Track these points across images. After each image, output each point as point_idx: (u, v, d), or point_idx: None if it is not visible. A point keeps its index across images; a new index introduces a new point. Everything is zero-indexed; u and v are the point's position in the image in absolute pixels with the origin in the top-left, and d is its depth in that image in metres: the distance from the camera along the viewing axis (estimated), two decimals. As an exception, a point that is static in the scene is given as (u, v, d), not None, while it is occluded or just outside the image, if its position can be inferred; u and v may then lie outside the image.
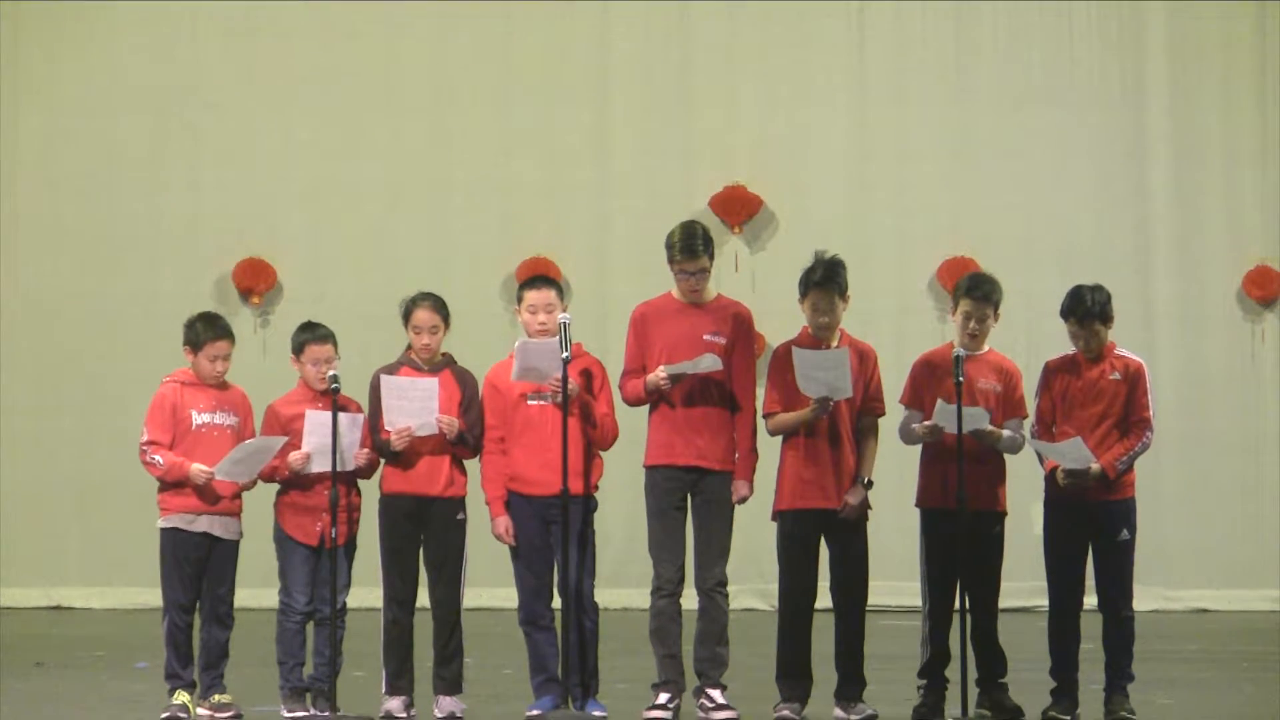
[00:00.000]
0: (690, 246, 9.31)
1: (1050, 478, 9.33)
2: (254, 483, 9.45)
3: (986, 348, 9.47)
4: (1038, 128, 15.27)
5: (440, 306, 9.44)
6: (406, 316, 9.45)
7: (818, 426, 9.24)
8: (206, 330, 9.53)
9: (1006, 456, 9.41)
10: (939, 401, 9.20)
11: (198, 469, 9.34)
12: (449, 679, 9.37)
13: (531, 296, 9.36)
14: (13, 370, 15.35)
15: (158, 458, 9.39)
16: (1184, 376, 14.98)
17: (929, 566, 9.39)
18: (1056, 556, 9.36)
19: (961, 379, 9.11)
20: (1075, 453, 9.15)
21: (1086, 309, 9.26)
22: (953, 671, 9.18)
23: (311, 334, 9.55)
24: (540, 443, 9.22)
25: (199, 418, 9.48)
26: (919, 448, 9.43)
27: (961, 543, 9.16)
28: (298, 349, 9.55)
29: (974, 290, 9.48)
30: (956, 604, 9.25)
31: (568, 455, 9.00)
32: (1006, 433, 9.32)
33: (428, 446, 9.32)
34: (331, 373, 9.35)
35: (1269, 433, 15.06)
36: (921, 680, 9.37)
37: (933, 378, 9.37)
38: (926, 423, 9.25)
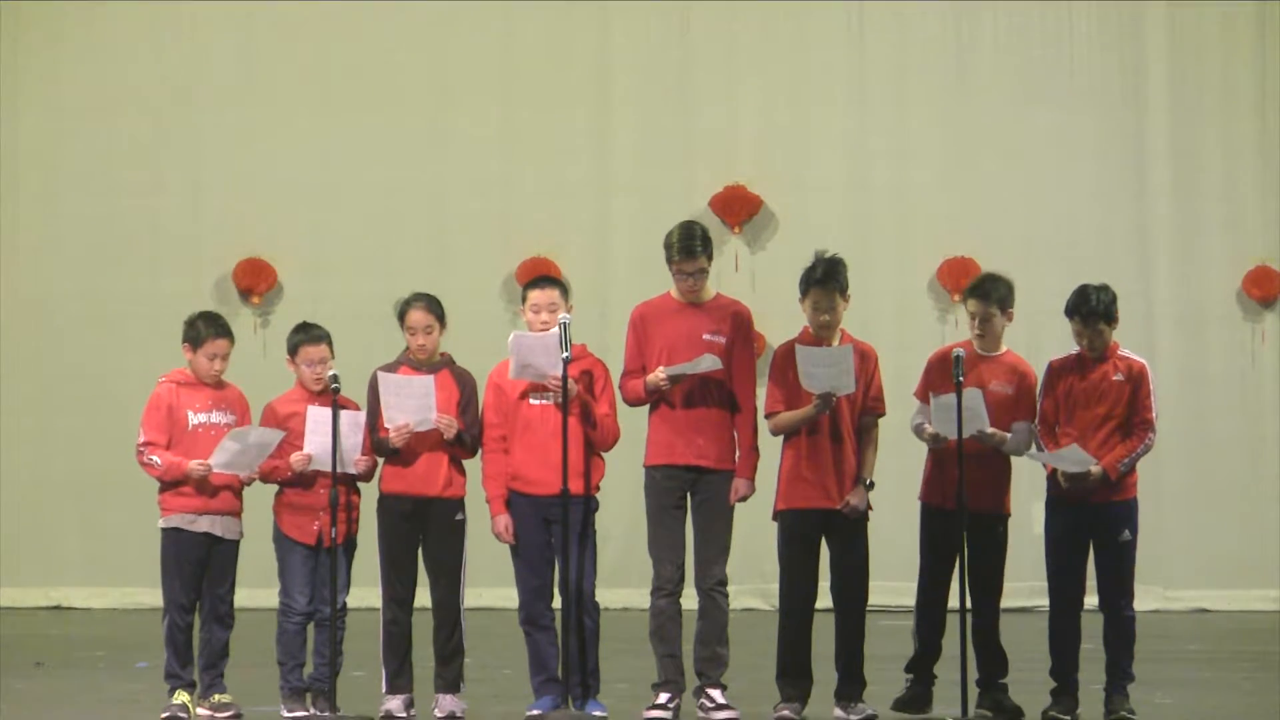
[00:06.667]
0: (689, 247, 9.31)
1: (1052, 478, 9.32)
2: (253, 479, 9.45)
3: (1003, 348, 9.45)
4: (1038, 128, 15.27)
5: (434, 306, 9.43)
6: (401, 317, 9.45)
7: (819, 426, 9.24)
8: (207, 328, 9.54)
9: (1011, 459, 9.41)
10: (931, 397, 9.19)
11: (195, 463, 9.33)
12: (449, 679, 9.37)
13: (535, 296, 9.36)
14: (13, 370, 15.36)
15: (155, 458, 9.40)
16: (1184, 377, 14.97)
17: (924, 562, 9.42)
18: (1057, 556, 9.36)
19: (962, 378, 9.10)
20: (1074, 456, 9.15)
21: (1091, 308, 9.26)
22: (952, 671, 9.17)
23: (305, 335, 9.56)
24: (541, 443, 9.21)
25: (195, 417, 9.48)
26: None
27: (962, 543, 9.19)
28: (292, 350, 9.56)
29: (975, 289, 9.52)
30: (950, 604, 9.28)
31: (568, 455, 9.00)
32: (1009, 435, 9.32)
33: (426, 446, 9.31)
34: (332, 373, 9.36)
35: (1269, 433, 15.06)
36: (908, 674, 9.39)
37: (945, 374, 9.35)
38: (928, 432, 9.26)
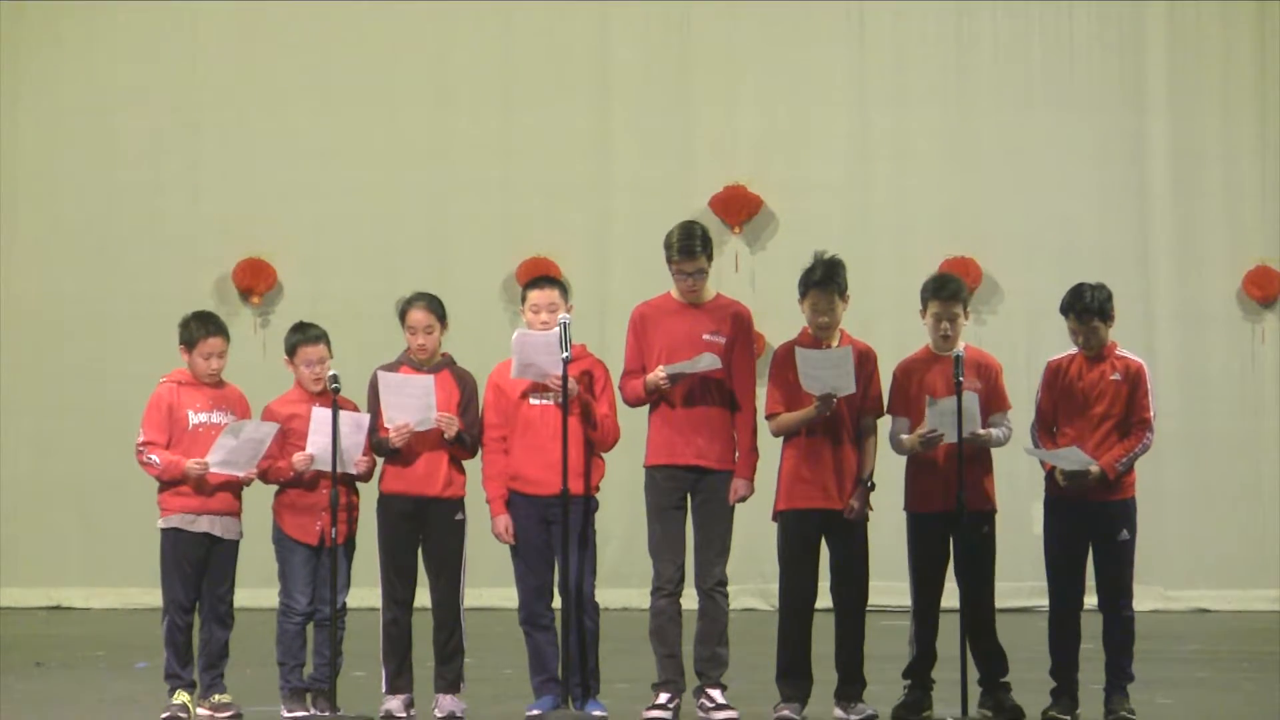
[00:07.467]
0: (688, 247, 9.30)
1: (1050, 477, 9.31)
2: (252, 479, 9.44)
3: (961, 345, 9.44)
4: (1038, 128, 15.28)
5: (435, 306, 9.43)
6: (402, 317, 9.45)
7: (818, 426, 9.23)
8: (200, 328, 9.53)
9: (995, 454, 9.41)
10: (928, 400, 9.18)
11: (193, 462, 9.33)
12: (449, 679, 9.37)
13: (535, 296, 9.36)
14: (13, 370, 15.36)
15: (154, 457, 9.39)
16: (1184, 376, 14.98)
17: (915, 568, 9.40)
18: (1057, 556, 9.35)
19: (962, 378, 9.09)
20: (1072, 456, 9.15)
21: (1085, 305, 9.25)
22: (950, 672, 9.18)
23: (303, 335, 9.56)
24: (541, 443, 9.21)
25: (195, 417, 9.47)
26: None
27: (958, 545, 9.21)
28: (290, 350, 9.56)
29: (941, 291, 9.44)
30: (945, 605, 9.27)
31: (568, 455, 9.00)
32: (995, 431, 9.32)
33: (425, 446, 9.31)
34: (332, 373, 9.36)
35: (1269, 433, 15.07)
36: (906, 680, 9.38)
37: (913, 381, 9.36)
38: (919, 432, 9.23)
